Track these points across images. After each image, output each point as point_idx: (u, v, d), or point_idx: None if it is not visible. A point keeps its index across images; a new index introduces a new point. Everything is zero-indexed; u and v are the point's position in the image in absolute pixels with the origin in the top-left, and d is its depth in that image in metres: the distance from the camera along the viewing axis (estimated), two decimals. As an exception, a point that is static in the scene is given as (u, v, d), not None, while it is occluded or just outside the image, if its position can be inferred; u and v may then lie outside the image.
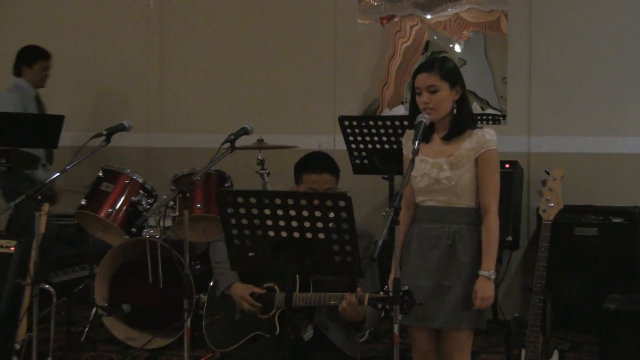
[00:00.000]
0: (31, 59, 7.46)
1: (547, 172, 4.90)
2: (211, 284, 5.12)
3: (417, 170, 4.31)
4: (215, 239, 5.03)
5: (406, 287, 3.98)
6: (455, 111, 4.38)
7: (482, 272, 4.32)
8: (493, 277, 4.33)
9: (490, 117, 7.40)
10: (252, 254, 4.08)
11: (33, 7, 8.54)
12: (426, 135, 4.38)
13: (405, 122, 5.75)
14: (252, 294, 4.71)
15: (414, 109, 4.41)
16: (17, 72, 7.48)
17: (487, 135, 4.37)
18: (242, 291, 4.72)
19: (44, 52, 7.53)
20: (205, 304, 5.17)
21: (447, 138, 4.39)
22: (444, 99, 4.34)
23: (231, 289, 4.78)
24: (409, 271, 4.36)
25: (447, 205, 4.36)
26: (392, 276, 4.19)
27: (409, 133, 4.50)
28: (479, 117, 7.38)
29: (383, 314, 4.18)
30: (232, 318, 4.87)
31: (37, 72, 7.48)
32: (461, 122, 4.39)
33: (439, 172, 4.33)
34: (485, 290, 4.30)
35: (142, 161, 8.13)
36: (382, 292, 4.21)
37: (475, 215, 4.38)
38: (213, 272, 4.99)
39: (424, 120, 4.19)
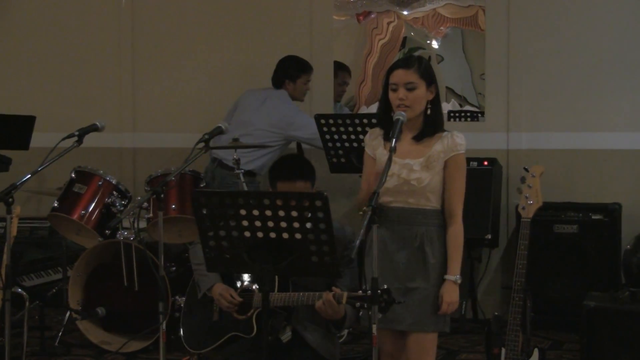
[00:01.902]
0: (296, 73, 7.19)
1: (526, 169, 4.92)
2: (190, 285, 5.13)
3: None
4: (195, 241, 5.03)
5: (385, 286, 4.00)
6: (429, 111, 4.39)
7: (448, 277, 4.34)
8: (459, 281, 4.35)
9: (468, 114, 7.44)
10: (229, 255, 4.08)
11: (3, 8, 8.51)
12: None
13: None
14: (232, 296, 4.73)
15: (385, 106, 4.42)
16: (279, 83, 7.20)
17: (457, 138, 4.38)
18: (223, 290, 4.74)
19: (307, 65, 7.25)
20: (183, 306, 5.18)
21: (419, 138, 4.39)
22: (421, 98, 4.35)
23: (212, 289, 4.80)
24: (377, 273, 4.35)
25: (416, 206, 4.36)
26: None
27: (373, 131, 4.51)
28: (457, 114, 7.41)
29: (361, 312, 4.20)
30: (210, 319, 4.88)
31: (300, 87, 7.22)
32: (434, 123, 4.40)
33: (410, 172, 4.32)
34: (452, 295, 4.33)
35: (115, 162, 8.11)
36: (360, 291, 4.22)
37: (442, 217, 4.40)
38: (194, 274, 5.01)
39: (402, 118, 4.20)
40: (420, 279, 4.34)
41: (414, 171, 4.32)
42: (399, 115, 4.22)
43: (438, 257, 4.35)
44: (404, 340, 4.46)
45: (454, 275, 4.34)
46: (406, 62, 4.40)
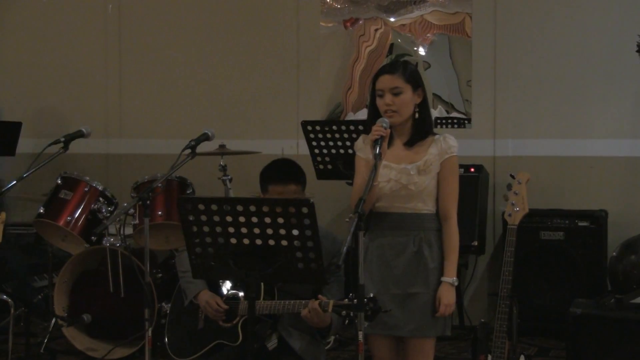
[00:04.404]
0: None
1: (513, 176, 4.93)
2: (175, 292, 5.12)
3: (382, 176, 4.27)
4: (182, 248, 5.03)
5: (371, 295, 4.00)
6: (417, 115, 4.39)
7: (445, 279, 4.33)
8: (456, 283, 4.36)
9: (455, 121, 7.44)
10: (215, 262, 4.08)
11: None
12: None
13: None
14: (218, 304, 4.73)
15: (374, 113, 4.42)
16: None
17: (450, 141, 4.38)
18: (209, 298, 4.74)
19: None
20: (168, 313, 5.17)
21: (410, 143, 4.39)
22: (407, 102, 4.35)
23: (198, 296, 4.79)
24: (376, 279, 4.35)
25: (413, 211, 4.35)
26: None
27: (365, 137, 4.49)
28: (444, 121, 7.42)
29: (347, 321, 4.20)
30: (195, 327, 4.87)
31: None
32: (424, 127, 4.40)
33: (408, 178, 4.32)
34: (449, 297, 4.33)
35: (101, 168, 8.10)
36: (346, 299, 4.22)
37: (438, 221, 4.40)
38: (180, 281, 5.00)
39: (384, 125, 4.19)
40: (420, 284, 4.33)
41: (412, 176, 4.32)
42: (382, 121, 4.21)
43: (437, 261, 4.35)
44: (401, 346, 4.46)
45: (450, 277, 4.34)
46: (391, 67, 4.41)
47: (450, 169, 4.39)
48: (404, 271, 4.35)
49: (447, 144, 4.38)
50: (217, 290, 4.80)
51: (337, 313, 4.27)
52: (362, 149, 4.46)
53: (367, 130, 4.49)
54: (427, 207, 4.37)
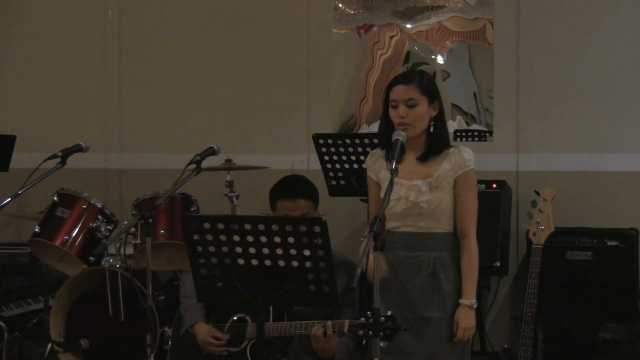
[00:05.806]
0: None
1: (537, 193, 4.93)
2: (177, 315, 5.12)
3: (392, 193, 4.28)
4: (187, 268, 5.03)
5: (389, 313, 3.99)
6: (432, 129, 4.38)
7: (463, 301, 4.33)
8: (475, 306, 4.34)
9: (476, 134, 7.43)
10: (221, 283, 4.08)
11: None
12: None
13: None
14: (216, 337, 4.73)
15: (386, 124, 4.41)
16: None
17: (465, 154, 4.37)
18: (204, 335, 4.74)
19: None
20: (171, 336, 5.17)
21: (424, 158, 4.39)
22: (422, 115, 4.34)
23: (195, 327, 4.79)
24: (388, 303, 4.34)
25: (427, 230, 4.35)
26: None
27: (374, 153, 4.50)
28: (464, 134, 7.41)
29: (364, 341, 4.19)
30: (200, 351, 4.87)
31: None
32: (439, 141, 4.40)
33: (418, 195, 4.31)
34: (468, 320, 4.32)
35: (100, 184, 8.11)
36: (363, 319, 4.22)
37: (455, 240, 4.38)
38: (180, 305, 5.01)
39: (401, 139, 4.19)
40: (435, 308, 4.34)
41: (423, 193, 4.31)
42: (398, 135, 4.21)
43: (453, 283, 4.35)
44: None
45: (469, 299, 4.33)
46: (406, 77, 4.40)
47: (466, 184, 4.38)
48: (418, 294, 4.35)
49: (462, 158, 4.37)
50: (221, 313, 4.79)
51: (353, 333, 4.27)
52: (370, 167, 4.48)
53: (379, 144, 4.50)
54: (442, 225, 4.37)
